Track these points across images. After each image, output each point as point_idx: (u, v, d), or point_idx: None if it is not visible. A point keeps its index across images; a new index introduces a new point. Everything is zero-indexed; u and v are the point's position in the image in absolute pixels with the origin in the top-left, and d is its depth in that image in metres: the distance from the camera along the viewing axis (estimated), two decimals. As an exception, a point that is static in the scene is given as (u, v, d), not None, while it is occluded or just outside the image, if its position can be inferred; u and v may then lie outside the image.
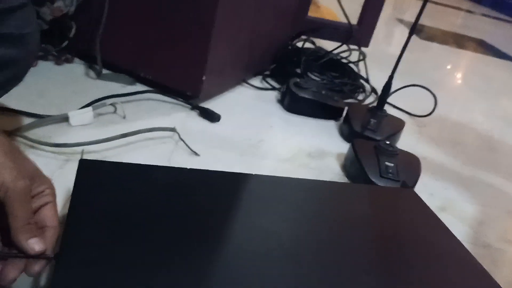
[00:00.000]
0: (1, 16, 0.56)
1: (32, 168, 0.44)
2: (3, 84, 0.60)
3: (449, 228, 0.64)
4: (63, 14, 0.93)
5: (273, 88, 1.27)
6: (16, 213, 0.40)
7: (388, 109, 1.24)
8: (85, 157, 0.74)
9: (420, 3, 1.04)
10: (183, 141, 0.87)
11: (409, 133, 1.19)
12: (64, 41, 0.99)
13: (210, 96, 1.09)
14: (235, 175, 0.66)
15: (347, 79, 1.39)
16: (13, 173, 0.40)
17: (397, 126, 1.13)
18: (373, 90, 1.42)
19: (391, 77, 1.10)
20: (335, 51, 1.44)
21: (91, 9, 1.00)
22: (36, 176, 0.44)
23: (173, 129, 0.88)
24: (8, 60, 0.58)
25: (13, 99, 0.84)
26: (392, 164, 0.88)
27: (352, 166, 0.91)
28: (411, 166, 0.92)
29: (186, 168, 0.64)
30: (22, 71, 0.62)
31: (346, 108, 1.16)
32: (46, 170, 0.46)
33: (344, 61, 1.46)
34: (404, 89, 1.35)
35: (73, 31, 0.97)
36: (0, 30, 0.55)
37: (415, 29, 1.06)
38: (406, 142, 1.12)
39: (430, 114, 1.29)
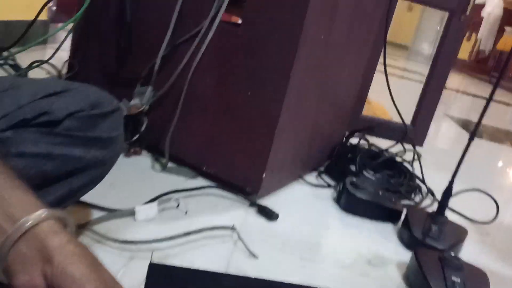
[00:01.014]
0: (95, 120, 0.60)
1: (110, 278, 0.44)
2: (87, 183, 0.63)
3: None
4: (138, 111, 0.98)
5: (329, 186, 1.27)
6: None
7: (448, 214, 1.20)
8: (148, 254, 0.75)
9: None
10: (242, 241, 0.86)
11: (471, 242, 1.14)
12: (135, 135, 1.03)
13: (267, 192, 1.09)
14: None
15: (402, 179, 1.37)
16: (97, 285, 0.40)
17: (460, 234, 1.09)
18: (430, 191, 1.39)
19: (451, 182, 1.08)
20: (390, 150, 1.44)
21: (163, 107, 1.05)
22: (114, 286, 0.44)
23: (232, 228, 0.88)
24: (96, 162, 0.61)
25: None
26: (459, 280, 0.84)
27: (416, 278, 0.88)
28: (479, 283, 0.88)
29: (251, 278, 0.64)
30: (105, 172, 0.65)
31: (404, 211, 1.14)
32: (111, 268, 0.46)
33: (399, 159, 1.45)
34: (462, 192, 1.32)
35: (145, 125, 1.03)
36: (92, 133, 0.59)
37: (476, 132, 1.06)
38: (468, 252, 1.07)
39: (492, 221, 1.24)
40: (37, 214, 0.40)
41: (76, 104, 0.57)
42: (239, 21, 0.98)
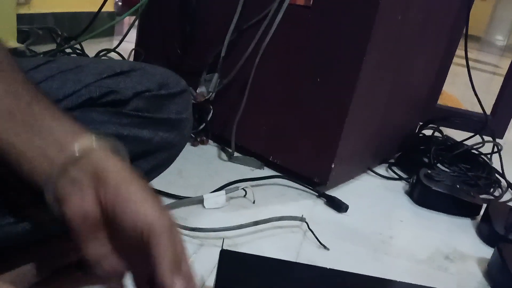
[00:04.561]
0: (163, 101, 0.58)
1: (164, 207, 0.38)
2: (157, 167, 0.62)
3: None
4: (205, 99, 0.97)
5: (400, 178, 1.21)
6: (163, 252, 0.34)
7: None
8: (217, 241, 0.74)
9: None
10: (312, 232, 0.84)
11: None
12: (202, 124, 1.03)
13: (336, 184, 1.06)
14: (374, 280, 0.61)
15: (480, 172, 1.28)
16: (157, 206, 0.36)
17: (547, 230, 1.00)
18: (510, 185, 1.30)
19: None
20: (467, 142, 1.35)
21: (229, 95, 1.04)
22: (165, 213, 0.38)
23: (302, 219, 0.86)
24: (165, 144, 0.59)
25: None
26: (550, 279, 0.77)
27: (500, 275, 0.81)
28: None
29: (325, 268, 0.61)
30: (175, 155, 0.63)
31: (484, 206, 1.06)
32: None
33: (475, 152, 1.36)
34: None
35: (211, 114, 1.02)
36: (161, 114, 0.58)
37: None
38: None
39: None
40: (88, 139, 0.37)
41: (143, 83, 0.55)
42: (309, 3, 0.94)
